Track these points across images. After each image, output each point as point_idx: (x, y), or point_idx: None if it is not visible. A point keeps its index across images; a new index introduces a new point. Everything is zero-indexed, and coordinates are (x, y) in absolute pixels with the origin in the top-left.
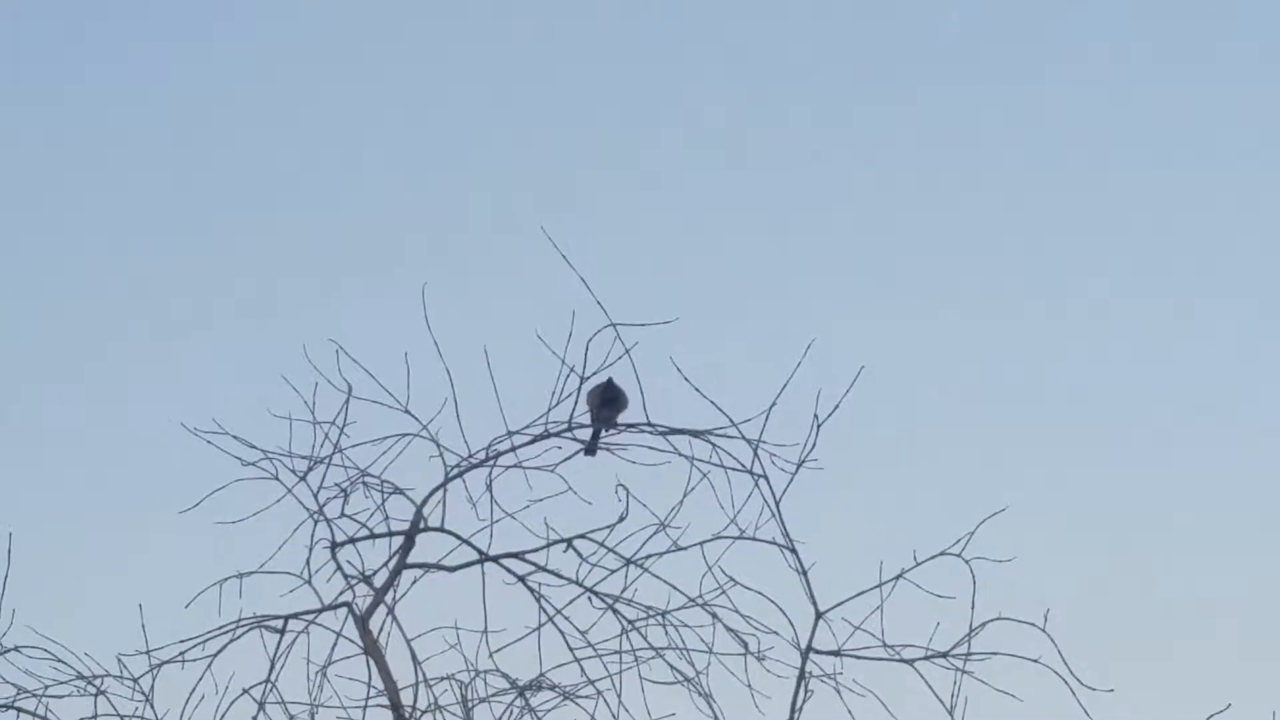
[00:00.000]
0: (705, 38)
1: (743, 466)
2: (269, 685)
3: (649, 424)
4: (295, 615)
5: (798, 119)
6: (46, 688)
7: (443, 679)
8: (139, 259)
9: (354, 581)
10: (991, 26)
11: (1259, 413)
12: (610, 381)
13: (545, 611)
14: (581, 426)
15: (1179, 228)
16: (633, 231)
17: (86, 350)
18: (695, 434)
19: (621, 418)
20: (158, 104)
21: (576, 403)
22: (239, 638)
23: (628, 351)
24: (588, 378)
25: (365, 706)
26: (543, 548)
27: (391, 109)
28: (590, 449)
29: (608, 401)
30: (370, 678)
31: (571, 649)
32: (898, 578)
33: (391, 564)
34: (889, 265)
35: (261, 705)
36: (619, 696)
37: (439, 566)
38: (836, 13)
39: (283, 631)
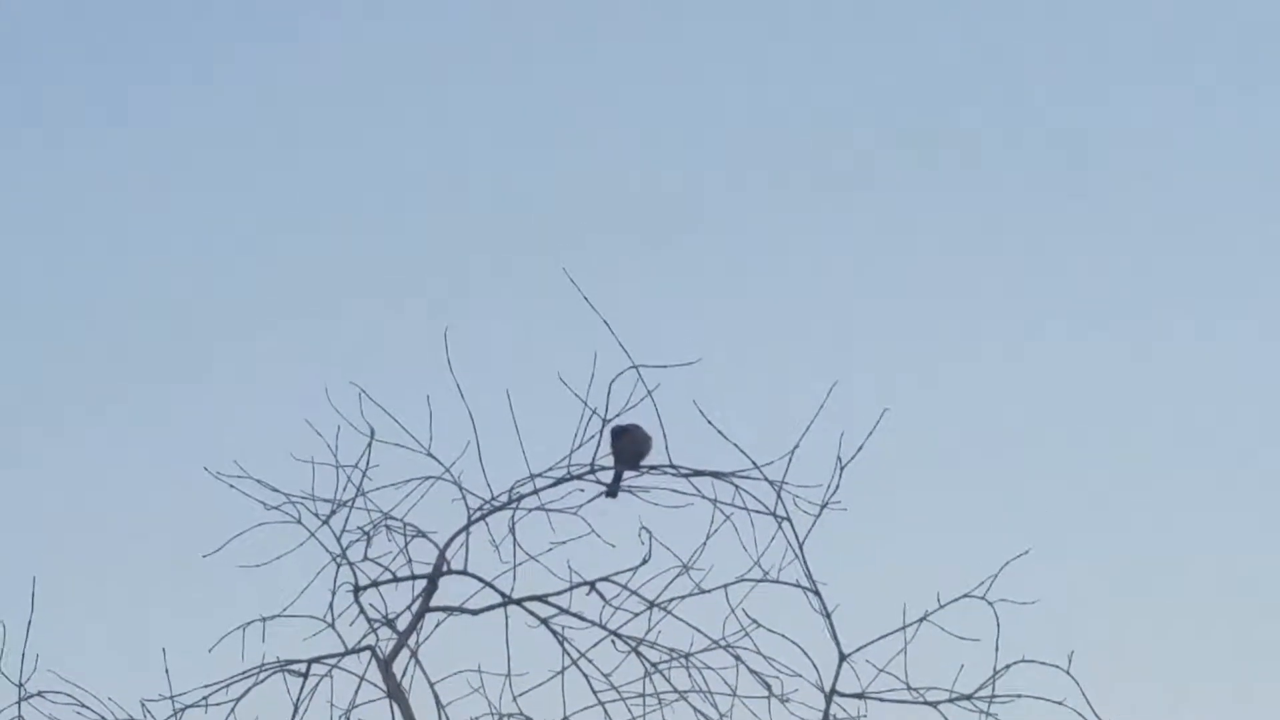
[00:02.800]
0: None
1: (766, 509)
2: None
3: (672, 466)
4: (318, 659)
5: (807, 160)
6: None
7: None
8: (155, 299)
9: (377, 625)
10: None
11: None
12: (632, 426)
13: (569, 654)
14: (604, 469)
15: (1216, 269)
16: (654, 275)
17: (107, 392)
18: (718, 476)
19: (644, 460)
20: (184, 144)
21: (599, 445)
22: (262, 681)
23: (650, 394)
24: (610, 419)
25: None
26: (566, 590)
27: (414, 144)
28: (612, 491)
29: (630, 450)
30: None
31: (595, 692)
32: (921, 620)
33: (414, 607)
34: (911, 306)
35: None
36: None
37: (462, 610)
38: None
39: (306, 675)
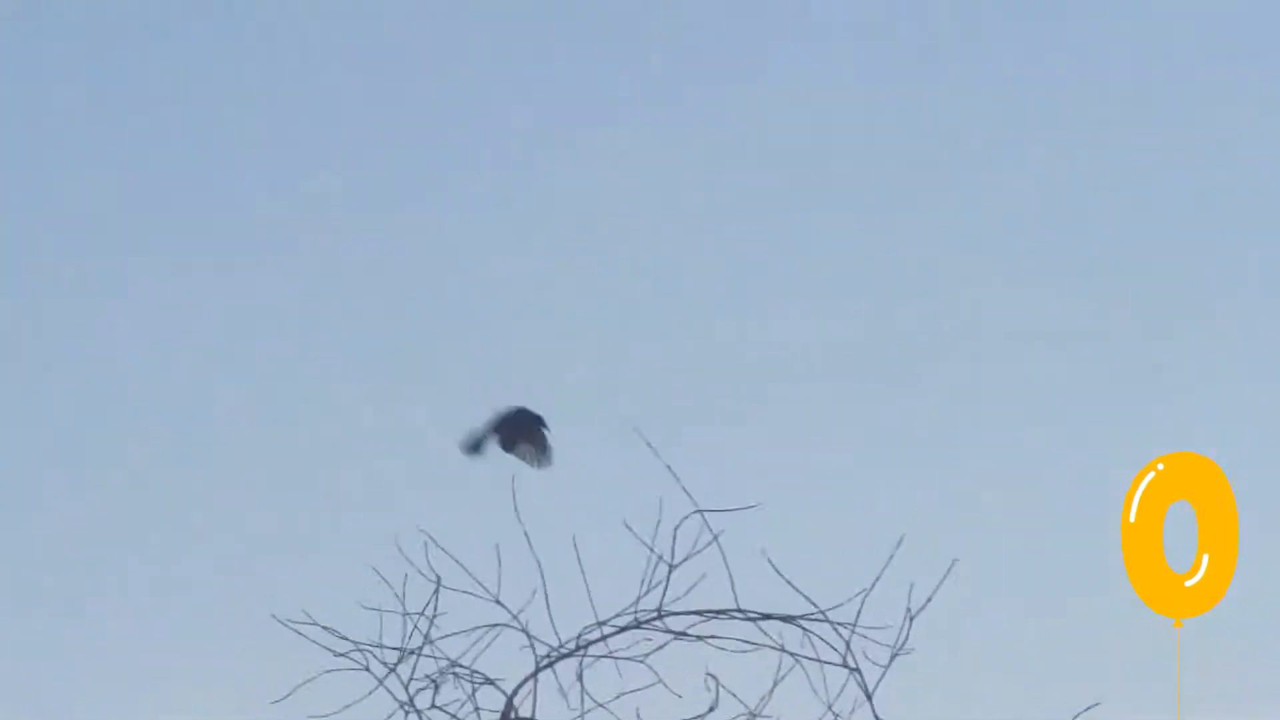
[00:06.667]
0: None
1: (836, 657)
2: None
3: (739, 609)
4: None
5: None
6: None
7: None
8: (224, 446)
9: None
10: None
11: None
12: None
13: None
14: (673, 614)
15: None
16: (718, 419)
17: (176, 538)
18: (786, 619)
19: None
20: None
21: (666, 590)
22: None
23: (715, 539)
24: (677, 565)
25: None
26: None
27: (471, 285)
28: (476, 447)
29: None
30: None
31: None
32: None
33: None
34: (974, 454)
35: None
36: None
37: None
38: None
39: None
